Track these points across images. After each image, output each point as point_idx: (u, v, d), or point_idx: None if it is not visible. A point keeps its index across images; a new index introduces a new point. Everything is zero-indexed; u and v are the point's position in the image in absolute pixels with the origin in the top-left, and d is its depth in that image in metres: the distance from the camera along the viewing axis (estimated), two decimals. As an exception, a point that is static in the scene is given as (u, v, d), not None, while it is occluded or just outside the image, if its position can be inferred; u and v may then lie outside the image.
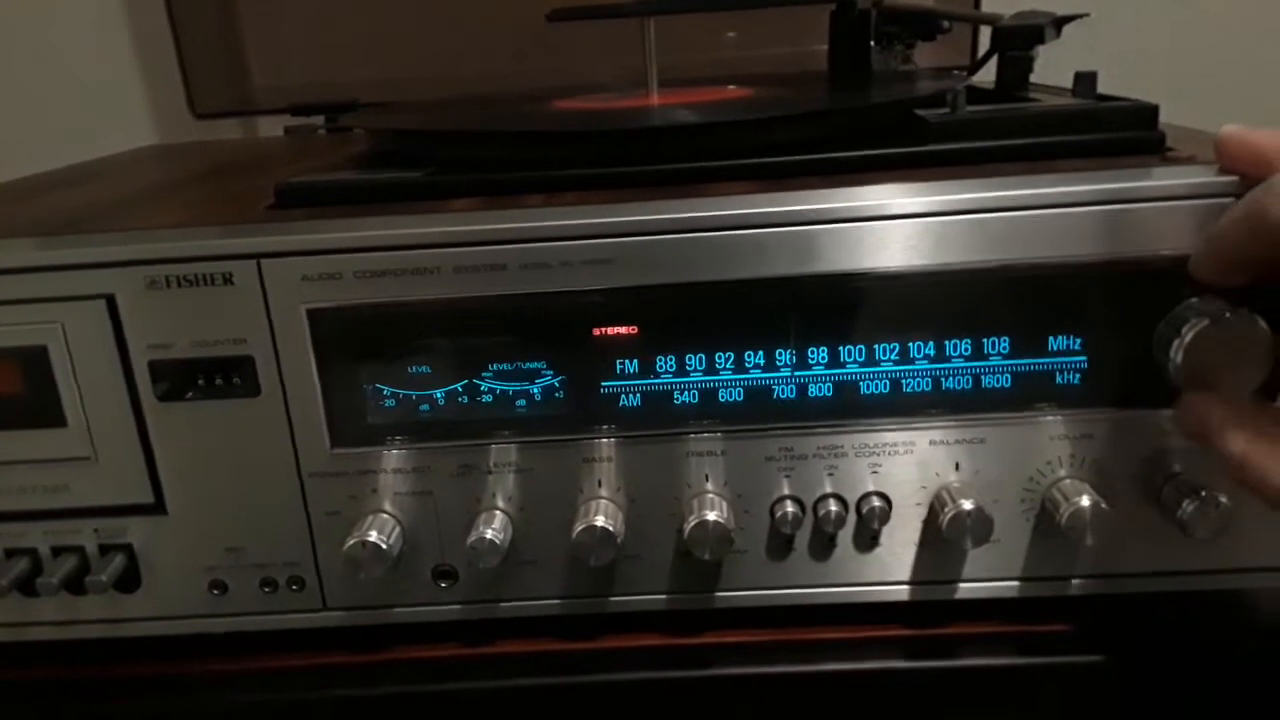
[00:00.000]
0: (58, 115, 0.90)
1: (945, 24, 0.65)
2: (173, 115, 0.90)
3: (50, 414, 0.40)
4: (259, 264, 0.38)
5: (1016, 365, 0.39)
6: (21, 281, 0.38)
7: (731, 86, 0.61)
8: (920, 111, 0.45)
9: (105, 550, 0.42)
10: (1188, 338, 0.37)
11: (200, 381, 0.39)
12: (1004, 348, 0.39)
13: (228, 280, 0.38)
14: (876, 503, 0.40)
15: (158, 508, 0.41)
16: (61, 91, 0.90)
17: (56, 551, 0.42)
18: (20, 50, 0.89)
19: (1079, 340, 0.39)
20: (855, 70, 0.63)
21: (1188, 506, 0.38)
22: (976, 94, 0.52)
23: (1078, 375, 0.39)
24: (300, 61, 0.87)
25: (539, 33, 0.83)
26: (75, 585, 0.41)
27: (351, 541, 0.39)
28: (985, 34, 0.81)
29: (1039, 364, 0.39)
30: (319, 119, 0.79)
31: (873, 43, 0.64)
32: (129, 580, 0.42)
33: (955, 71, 0.75)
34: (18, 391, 0.39)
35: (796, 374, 0.39)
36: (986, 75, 0.59)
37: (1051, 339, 0.39)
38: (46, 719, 0.43)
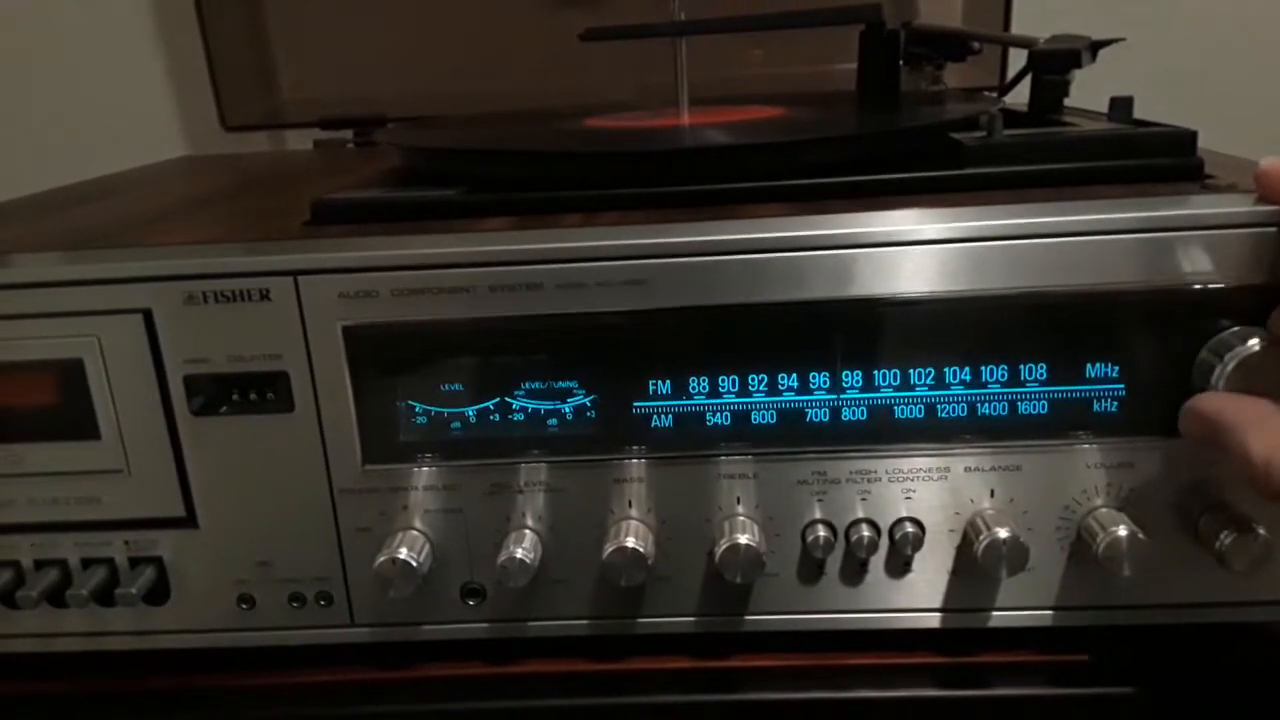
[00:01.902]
0: (88, 126, 0.91)
1: (976, 45, 0.65)
2: (202, 128, 0.90)
3: (84, 426, 0.40)
4: (296, 281, 0.38)
5: (1053, 392, 0.39)
6: (59, 295, 0.38)
7: (761, 106, 0.61)
8: (955, 135, 0.45)
9: (135, 563, 0.42)
10: (1229, 366, 0.36)
11: (235, 396, 0.39)
12: (1041, 374, 0.39)
13: (265, 296, 0.38)
14: (909, 528, 0.40)
15: (189, 521, 0.41)
16: (92, 103, 0.91)
17: (87, 563, 0.42)
18: (51, 62, 0.90)
19: (1117, 368, 0.38)
20: (885, 91, 0.62)
21: (1226, 538, 0.38)
22: (1010, 117, 0.52)
23: (1115, 403, 0.39)
24: (329, 76, 0.88)
25: (564, 50, 0.83)
26: (105, 597, 0.42)
27: (382, 558, 0.39)
28: (1014, 55, 0.82)
29: (1076, 391, 0.39)
30: (348, 133, 0.80)
31: (902, 63, 0.64)
32: (158, 593, 0.42)
33: (985, 93, 0.75)
34: (53, 403, 0.40)
35: (830, 397, 0.39)
36: (1016, 96, 0.59)
37: (1089, 366, 0.39)
38: (72, 730, 0.43)
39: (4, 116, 0.91)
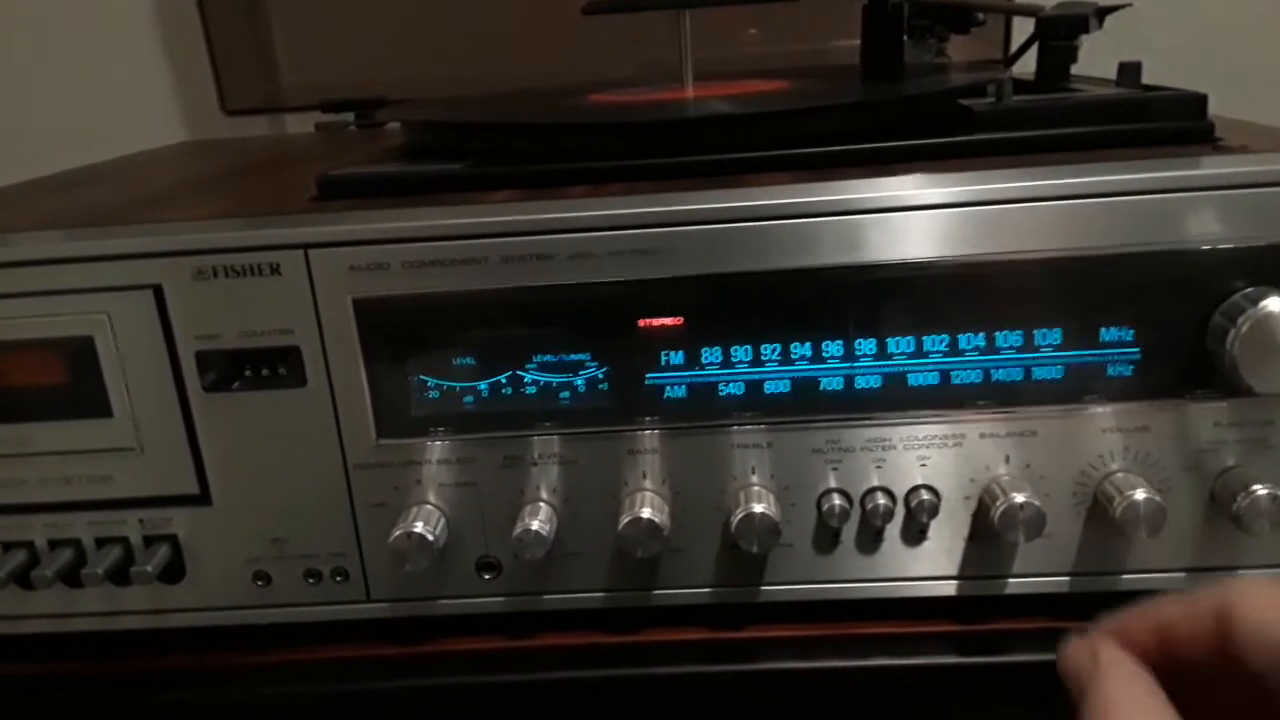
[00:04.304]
0: (89, 112, 0.90)
1: (980, 16, 0.65)
2: (201, 113, 0.90)
3: (96, 404, 0.40)
4: (306, 254, 0.38)
5: (1068, 356, 0.39)
6: (69, 271, 0.38)
7: (765, 80, 0.60)
8: (965, 101, 0.44)
9: (150, 541, 0.42)
10: (1244, 329, 0.36)
11: (246, 372, 0.39)
12: (1055, 339, 0.38)
13: (275, 270, 0.38)
14: (925, 496, 0.40)
15: (202, 499, 0.41)
16: (92, 88, 0.90)
17: (101, 542, 0.42)
18: (51, 47, 0.90)
19: (1131, 331, 0.38)
20: (889, 64, 0.62)
21: (1242, 501, 0.38)
22: (1017, 86, 0.51)
23: (1130, 367, 0.39)
24: (328, 59, 0.87)
25: (562, 30, 0.83)
26: (119, 576, 0.41)
27: (397, 533, 0.39)
28: (1019, 27, 0.81)
29: (1091, 355, 0.39)
30: (349, 116, 0.79)
31: (905, 37, 0.64)
32: (173, 571, 0.42)
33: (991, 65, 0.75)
34: (64, 382, 0.39)
35: (844, 365, 0.39)
36: (1021, 69, 0.59)
37: (1104, 330, 0.38)
38: (89, 711, 0.43)
39: (1, 103, 0.90)
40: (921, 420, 0.39)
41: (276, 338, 0.39)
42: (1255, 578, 0.36)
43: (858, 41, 0.65)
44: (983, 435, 0.39)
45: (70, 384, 0.39)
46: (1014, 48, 0.71)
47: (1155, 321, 0.38)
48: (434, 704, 0.42)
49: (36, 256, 0.38)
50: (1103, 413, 0.39)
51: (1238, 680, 0.26)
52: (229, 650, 0.43)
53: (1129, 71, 0.47)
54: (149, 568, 0.41)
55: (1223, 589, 0.27)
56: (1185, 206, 0.37)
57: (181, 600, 0.42)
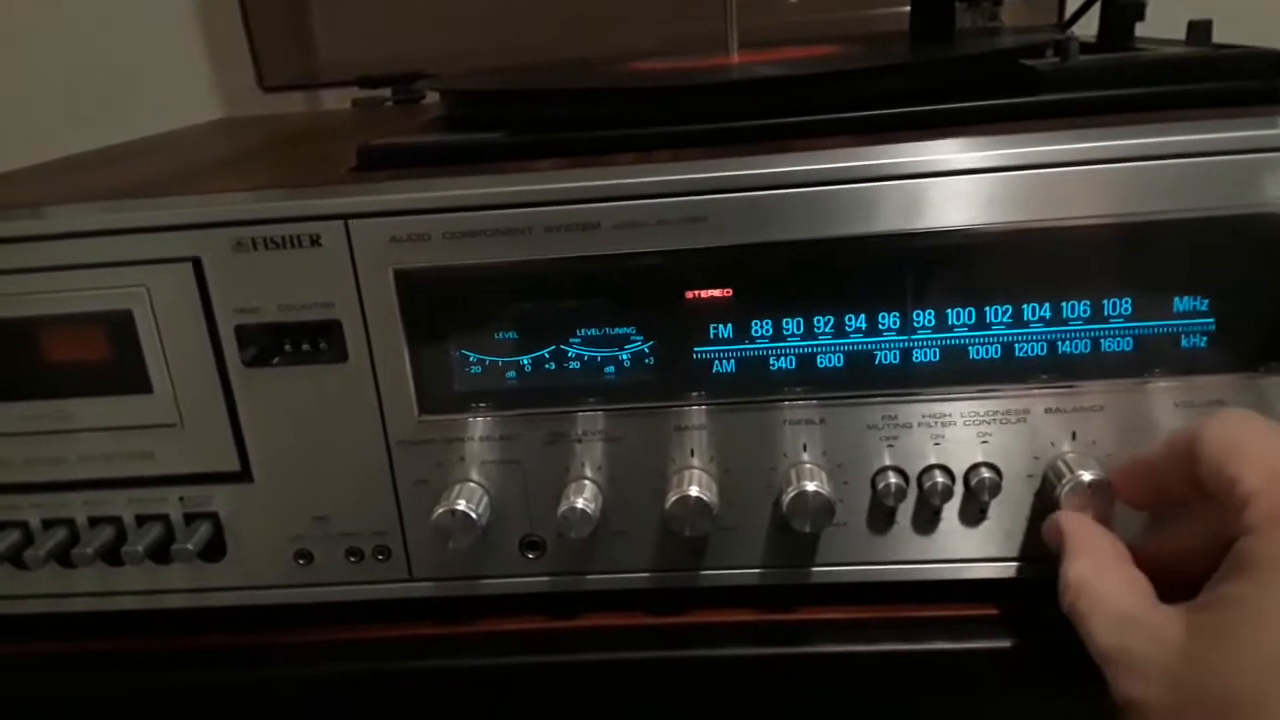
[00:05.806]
0: (126, 90, 0.90)
1: (1036, -23, 0.62)
2: (236, 90, 0.90)
3: (135, 380, 0.39)
4: (347, 225, 0.37)
5: (1138, 327, 0.37)
6: (106, 244, 0.38)
7: (812, 45, 0.59)
8: (1028, 62, 0.43)
9: (190, 519, 0.41)
10: (1328, 297, 0.34)
11: (287, 347, 0.38)
12: (1125, 309, 0.37)
13: (315, 242, 0.37)
14: (986, 474, 0.38)
15: (243, 476, 0.40)
16: (129, 66, 0.90)
17: (141, 520, 0.41)
18: (87, 25, 0.90)
19: (1206, 301, 0.36)
20: (940, 28, 0.60)
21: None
22: (1080, 46, 0.49)
23: (1204, 338, 0.37)
24: (364, 35, 0.87)
25: (589, 4, 0.82)
26: (160, 554, 0.41)
27: (440, 510, 0.38)
28: (1072, -7, 0.78)
29: (1162, 326, 0.37)
30: (386, 91, 0.79)
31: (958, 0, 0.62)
32: (214, 549, 0.41)
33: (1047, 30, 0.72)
34: (103, 357, 0.39)
35: (900, 338, 0.38)
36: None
37: (1176, 299, 0.37)
38: (130, 690, 0.43)
39: (38, 81, 0.91)
40: (983, 395, 0.38)
41: (317, 311, 0.38)
42: (1228, 410, 0.35)
43: (899, 10, 0.63)
44: (1048, 411, 0.38)
45: (109, 359, 0.39)
46: (1069, 14, 0.69)
47: (1231, 290, 0.36)
48: (476, 684, 0.41)
49: (73, 229, 0.37)
50: (1174, 387, 0.37)
51: (1210, 510, 0.32)
52: (270, 630, 0.43)
53: (1199, 30, 0.45)
54: (190, 545, 0.40)
55: (1195, 424, 0.32)
56: (1262, 168, 0.35)
57: (222, 579, 0.42)
